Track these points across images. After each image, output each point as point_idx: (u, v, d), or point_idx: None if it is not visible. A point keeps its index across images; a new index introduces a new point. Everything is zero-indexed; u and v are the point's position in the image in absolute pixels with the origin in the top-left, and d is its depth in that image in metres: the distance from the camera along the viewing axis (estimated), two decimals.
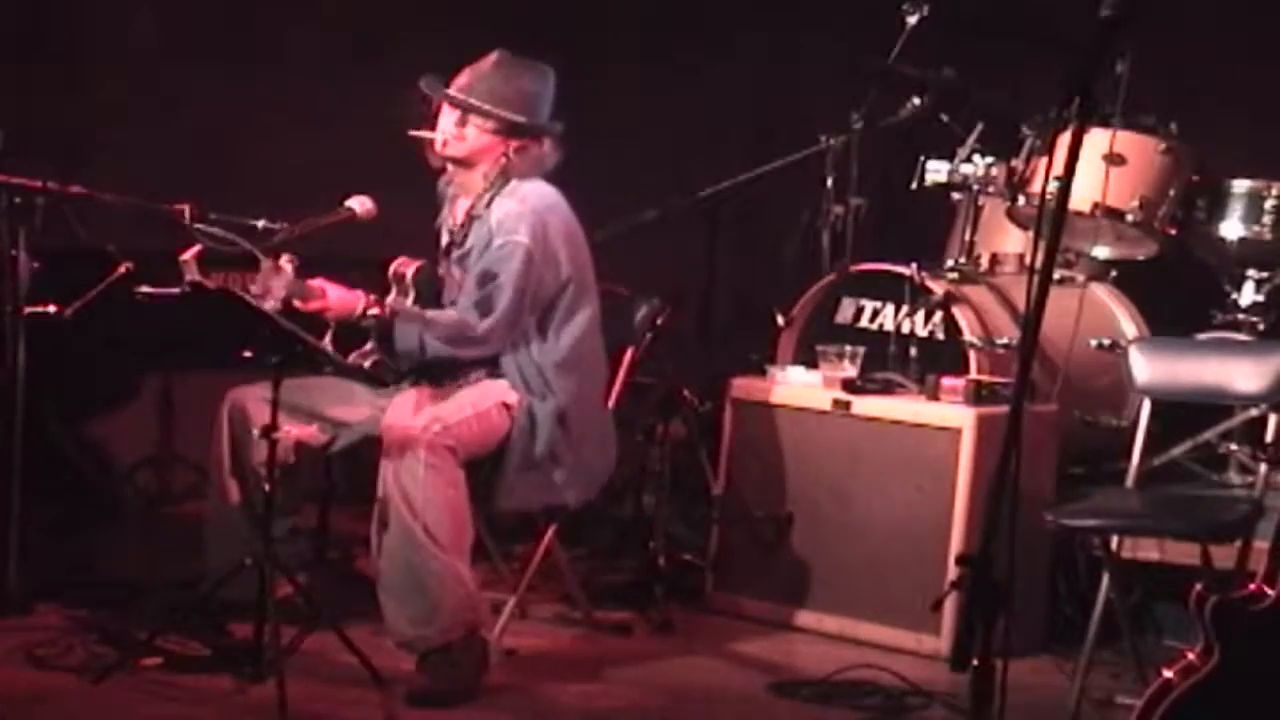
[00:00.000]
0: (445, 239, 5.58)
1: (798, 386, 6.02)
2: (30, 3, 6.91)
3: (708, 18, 7.76)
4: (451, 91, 5.44)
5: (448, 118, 5.45)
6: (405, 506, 5.05)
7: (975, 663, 3.44)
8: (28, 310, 5.46)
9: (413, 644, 5.10)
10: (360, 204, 5.39)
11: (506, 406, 5.31)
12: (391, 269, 5.48)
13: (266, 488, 5.02)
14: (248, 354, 5.02)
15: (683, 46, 7.69)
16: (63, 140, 6.70)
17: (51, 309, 5.53)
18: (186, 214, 5.32)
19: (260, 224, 5.34)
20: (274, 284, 5.06)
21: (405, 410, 5.27)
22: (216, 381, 6.52)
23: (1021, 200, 6.34)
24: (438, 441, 5.09)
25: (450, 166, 5.51)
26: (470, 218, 5.46)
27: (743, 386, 6.10)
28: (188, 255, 5.06)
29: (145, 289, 5.30)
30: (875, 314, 6.24)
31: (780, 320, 6.34)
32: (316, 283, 5.20)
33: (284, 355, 5.04)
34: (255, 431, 5.14)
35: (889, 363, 6.09)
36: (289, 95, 7.16)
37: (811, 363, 6.09)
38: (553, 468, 5.36)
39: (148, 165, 6.52)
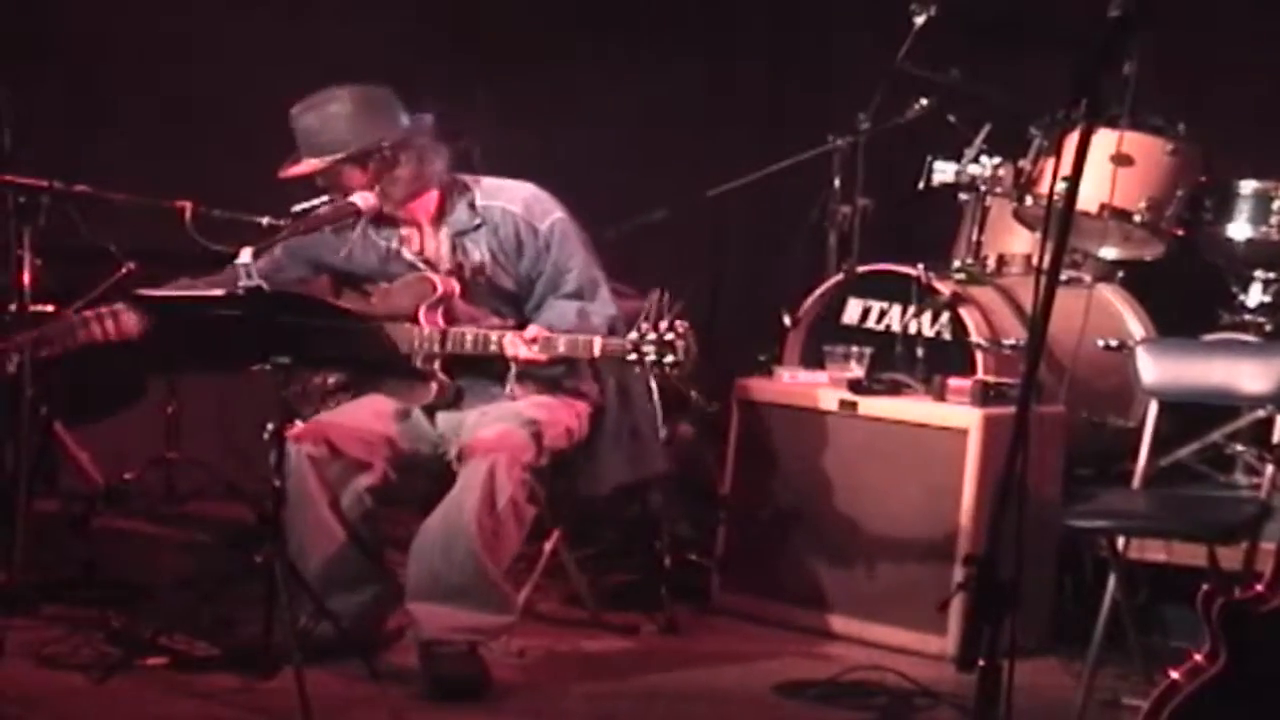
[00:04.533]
0: (407, 256, 5.49)
1: (804, 387, 6.01)
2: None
3: (715, 15, 7.76)
4: (310, 164, 5.37)
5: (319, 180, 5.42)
6: (482, 512, 5.08)
7: (981, 663, 3.44)
8: (31, 309, 5.45)
9: (443, 644, 5.11)
10: (363, 199, 5.37)
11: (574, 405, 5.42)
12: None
13: (275, 483, 5.02)
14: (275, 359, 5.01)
15: (690, 45, 7.69)
16: (64, 139, 6.73)
17: (50, 308, 5.54)
18: (188, 211, 5.32)
19: (265, 220, 5.35)
20: None
21: (491, 420, 5.31)
22: (222, 382, 6.57)
23: (1029, 201, 6.33)
24: (526, 457, 5.17)
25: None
26: (456, 236, 5.45)
27: (749, 387, 6.10)
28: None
29: (143, 291, 5.31)
30: (882, 314, 6.24)
31: (787, 320, 6.34)
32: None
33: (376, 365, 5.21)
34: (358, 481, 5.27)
35: (896, 363, 6.09)
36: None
37: (818, 363, 6.09)
38: (635, 440, 5.50)
39: (150, 165, 6.52)
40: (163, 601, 5.59)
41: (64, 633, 5.30)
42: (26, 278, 5.40)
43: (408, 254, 5.47)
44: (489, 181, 5.52)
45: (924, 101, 6.52)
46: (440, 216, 5.47)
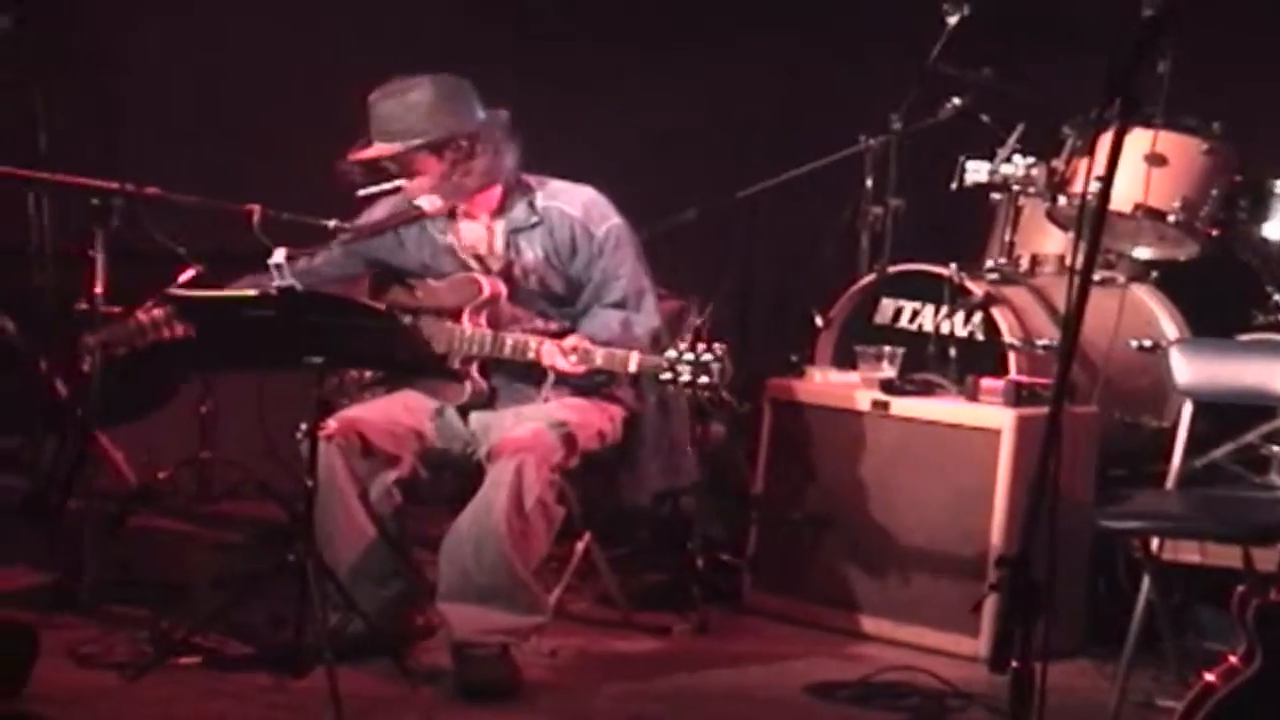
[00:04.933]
0: (459, 253, 5.53)
1: (836, 387, 6.00)
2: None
3: (745, 14, 7.75)
4: (382, 149, 5.41)
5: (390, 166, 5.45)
6: (510, 511, 5.09)
7: (1014, 665, 3.43)
8: (103, 310, 5.48)
9: (475, 646, 5.11)
10: (430, 202, 5.40)
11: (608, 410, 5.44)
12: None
13: (308, 483, 5.03)
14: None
15: (720, 44, 7.68)
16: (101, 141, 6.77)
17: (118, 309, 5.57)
18: (256, 214, 5.35)
19: (332, 224, 5.38)
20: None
21: (523, 421, 5.32)
22: (256, 381, 6.58)
23: (1062, 201, 6.31)
24: (555, 458, 5.18)
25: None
26: (511, 233, 5.47)
27: (781, 387, 6.09)
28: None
29: (176, 291, 5.33)
30: (914, 315, 6.23)
31: (819, 321, 6.33)
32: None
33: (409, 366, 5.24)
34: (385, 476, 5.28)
35: (928, 364, 6.08)
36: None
37: (850, 363, 6.08)
38: (673, 450, 5.53)
39: (183, 165, 6.55)
40: (196, 601, 5.60)
41: (100, 632, 5.31)
42: (99, 279, 5.43)
43: (460, 250, 5.50)
44: (552, 183, 5.54)
45: (957, 101, 6.51)
46: (500, 212, 5.50)
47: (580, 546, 5.71)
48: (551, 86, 7.18)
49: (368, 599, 5.21)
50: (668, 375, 5.02)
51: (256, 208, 5.35)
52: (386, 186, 5.43)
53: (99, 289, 5.48)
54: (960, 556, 5.65)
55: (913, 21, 6.76)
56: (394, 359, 5.29)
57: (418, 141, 5.36)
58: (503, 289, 5.43)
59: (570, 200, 5.49)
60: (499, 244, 5.50)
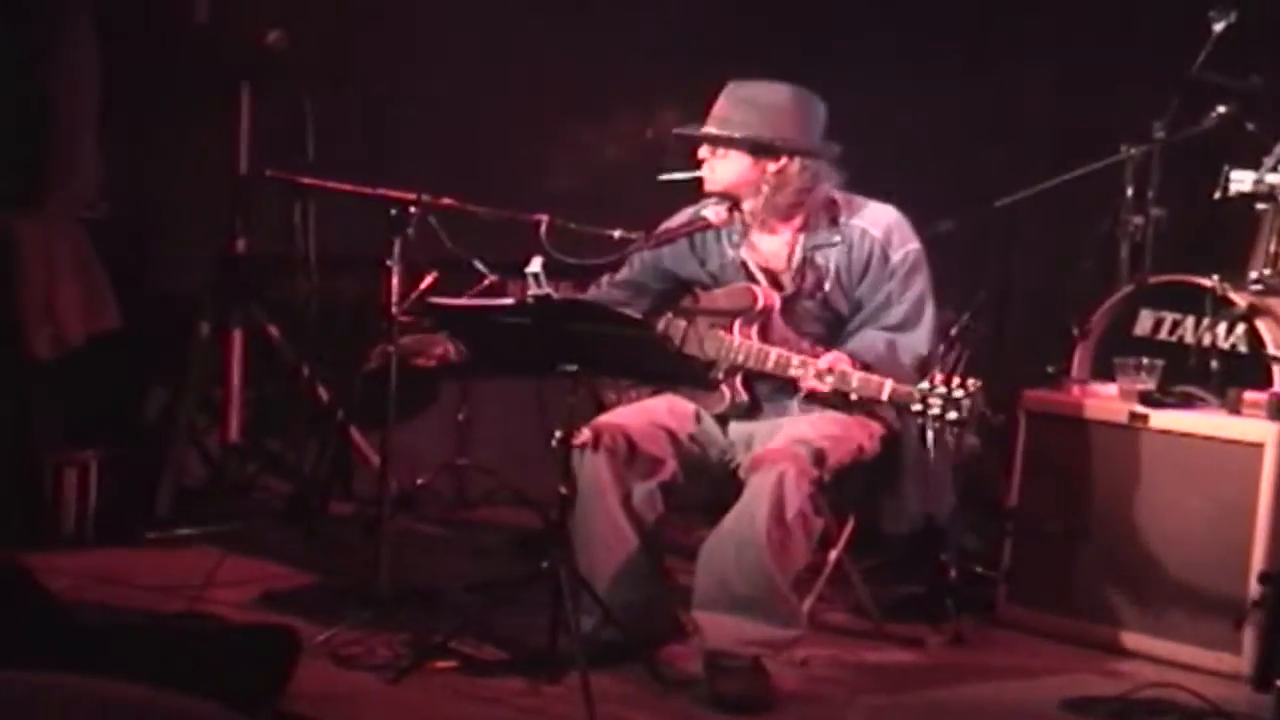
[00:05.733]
0: (750, 266, 5.56)
1: (1094, 399, 5.93)
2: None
3: (1004, 22, 7.68)
4: (708, 129, 5.47)
5: (704, 151, 5.51)
6: (771, 522, 5.09)
7: (1279, 683, 3.36)
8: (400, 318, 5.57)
9: (729, 657, 5.11)
10: (715, 213, 5.47)
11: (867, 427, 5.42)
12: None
13: (562, 490, 5.09)
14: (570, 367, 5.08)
15: (980, 53, 7.62)
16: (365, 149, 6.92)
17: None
18: (544, 225, 5.43)
19: (617, 234, 5.44)
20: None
21: (781, 432, 5.33)
22: (511, 388, 6.67)
23: None
24: (813, 471, 5.18)
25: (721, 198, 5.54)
26: (812, 249, 5.49)
27: (1037, 398, 6.03)
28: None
29: (437, 300, 5.41)
30: (1175, 326, 6.12)
31: (1076, 332, 6.26)
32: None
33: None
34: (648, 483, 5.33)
35: (1188, 376, 5.98)
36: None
37: (1107, 375, 6.00)
38: (932, 477, 5.51)
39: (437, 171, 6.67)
40: (453, 606, 5.68)
41: (361, 634, 5.40)
42: (395, 287, 5.54)
43: (751, 264, 5.53)
44: (857, 200, 5.56)
45: (1222, 109, 6.39)
46: (803, 229, 5.52)
47: (833, 556, 5.70)
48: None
49: (624, 605, 5.24)
50: (918, 406, 5.01)
51: (544, 217, 5.44)
52: (683, 175, 5.50)
53: (394, 297, 5.55)
54: (1220, 571, 5.54)
55: (1178, 28, 6.65)
56: (646, 368, 5.33)
57: (742, 134, 5.41)
58: (777, 302, 5.45)
59: (874, 221, 5.49)
60: (796, 258, 5.51)
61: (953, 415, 4.97)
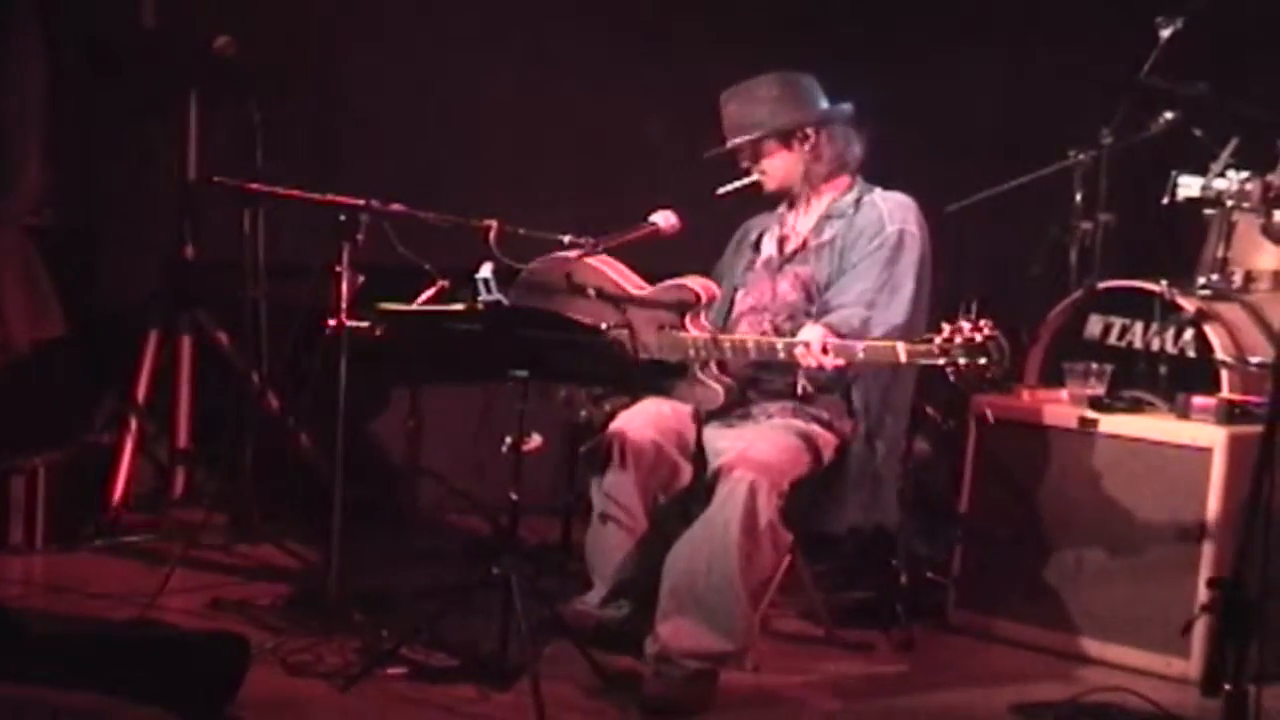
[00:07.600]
0: (771, 249, 5.64)
1: (1044, 404, 5.95)
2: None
3: (953, 29, 7.70)
4: (734, 142, 5.58)
5: (745, 161, 5.62)
6: (742, 532, 5.08)
7: (1227, 688, 3.38)
8: (348, 325, 5.55)
9: (675, 664, 5.09)
10: (664, 219, 5.53)
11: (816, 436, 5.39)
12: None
13: (513, 496, 5.08)
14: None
15: (928, 58, 7.64)
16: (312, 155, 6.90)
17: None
18: (493, 230, 5.44)
19: (566, 239, 5.46)
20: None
21: (751, 442, 5.31)
22: (458, 392, 6.67)
23: (1278, 216, 6.20)
24: (782, 482, 5.18)
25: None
26: (824, 217, 5.56)
27: (988, 404, 6.05)
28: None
29: (386, 305, 5.40)
30: (1124, 331, 6.15)
31: (1026, 337, 6.27)
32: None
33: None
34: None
35: (1137, 381, 6.00)
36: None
37: (1058, 380, 6.02)
38: (877, 486, 5.49)
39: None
40: (403, 612, 5.67)
41: (311, 641, 5.38)
42: (345, 292, 5.53)
43: (770, 242, 5.64)
44: (889, 191, 5.62)
45: (1169, 115, 6.42)
46: (834, 201, 5.60)
47: (784, 562, 5.70)
48: None
49: (630, 583, 5.29)
50: (941, 360, 4.97)
51: (493, 223, 5.45)
52: (740, 183, 5.61)
53: (344, 303, 5.54)
54: (1170, 576, 5.56)
55: (1125, 34, 6.68)
56: (599, 373, 5.32)
57: (760, 133, 5.52)
58: (717, 291, 5.49)
59: (886, 197, 5.57)
60: (809, 224, 5.59)
61: (983, 359, 4.95)
